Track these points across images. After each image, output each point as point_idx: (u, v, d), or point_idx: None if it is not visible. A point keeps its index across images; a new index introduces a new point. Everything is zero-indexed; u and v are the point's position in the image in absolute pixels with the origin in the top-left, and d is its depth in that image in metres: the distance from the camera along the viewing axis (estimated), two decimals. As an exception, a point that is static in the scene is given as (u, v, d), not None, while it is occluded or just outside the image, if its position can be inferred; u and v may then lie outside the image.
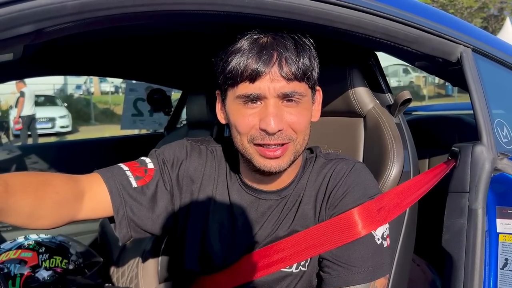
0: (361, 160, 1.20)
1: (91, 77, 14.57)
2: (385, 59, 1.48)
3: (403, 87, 19.02)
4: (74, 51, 1.82)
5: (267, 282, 0.92)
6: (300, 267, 0.91)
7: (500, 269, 1.09)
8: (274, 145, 0.83)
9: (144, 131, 5.25)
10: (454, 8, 17.23)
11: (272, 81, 0.81)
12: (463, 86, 1.19)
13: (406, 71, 20.24)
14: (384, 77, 1.26)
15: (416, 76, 20.17)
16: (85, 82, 19.66)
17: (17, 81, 8.89)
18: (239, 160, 0.96)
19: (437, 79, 16.69)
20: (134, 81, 3.98)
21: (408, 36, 1.03)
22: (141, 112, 3.99)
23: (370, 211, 0.88)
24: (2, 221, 0.73)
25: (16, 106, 10.08)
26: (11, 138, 10.91)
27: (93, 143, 3.14)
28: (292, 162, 0.88)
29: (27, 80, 9.01)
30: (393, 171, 1.09)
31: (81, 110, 16.27)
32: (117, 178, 0.90)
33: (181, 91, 3.04)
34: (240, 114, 0.85)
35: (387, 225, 0.91)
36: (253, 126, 0.84)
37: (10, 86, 11.02)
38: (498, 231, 1.09)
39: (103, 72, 2.82)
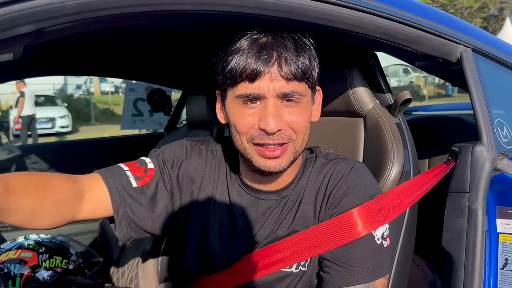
0: (361, 160, 1.20)
1: (91, 77, 14.58)
2: (385, 59, 1.48)
3: (403, 87, 19.02)
4: (74, 51, 1.82)
5: (267, 282, 0.92)
6: (300, 267, 0.91)
7: (500, 269, 1.09)
8: (274, 144, 0.83)
9: (144, 131, 5.25)
10: (454, 8, 17.23)
11: (272, 81, 0.81)
12: (463, 86, 1.19)
13: (406, 71, 20.24)
14: (384, 77, 1.26)
15: (416, 76, 20.18)
16: (85, 82, 19.66)
17: (17, 81, 8.89)
18: (239, 160, 0.96)
19: (437, 79, 16.69)
20: (134, 81, 3.97)
21: (408, 36, 1.03)
22: (141, 112, 3.99)
23: (370, 211, 0.88)
24: (2, 221, 0.73)
25: (16, 106, 10.08)
26: (11, 138, 10.90)
27: (93, 143, 3.14)
28: (292, 162, 0.88)
29: (27, 80, 9.01)
30: (393, 171, 1.09)
31: (81, 110, 16.27)
32: (117, 178, 0.90)
33: (181, 91, 3.04)
34: (239, 114, 0.85)
35: (387, 225, 0.91)
36: (253, 126, 0.84)
37: (10, 86, 11.02)
38: (498, 231, 1.09)
39: (103, 72, 2.82)
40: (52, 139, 11.12)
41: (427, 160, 1.76)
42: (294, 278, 0.92)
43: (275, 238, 0.92)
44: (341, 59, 1.24)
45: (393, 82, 19.08)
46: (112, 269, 1.56)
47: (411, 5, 1.06)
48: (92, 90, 19.94)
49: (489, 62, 1.26)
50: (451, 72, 1.20)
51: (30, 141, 9.67)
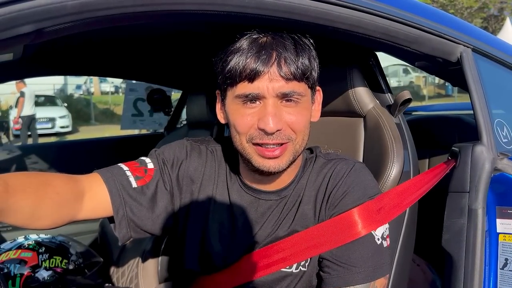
0: (361, 160, 1.20)
1: (91, 77, 14.57)
2: (385, 59, 1.48)
3: (403, 87, 19.02)
4: (74, 51, 1.82)
5: (267, 282, 0.92)
6: (300, 267, 0.91)
7: (500, 269, 1.09)
8: (273, 144, 0.83)
9: (144, 131, 5.25)
10: (454, 8, 17.22)
11: (271, 80, 0.81)
12: (463, 86, 1.19)
13: (406, 71, 20.24)
14: (384, 77, 1.26)
15: (416, 76, 20.17)
16: (85, 82, 19.66)
17: (17, 81, 8.89)
18: (239, 160, 0.96)
19: (437, 79, 16.69)
20: (134, 81, 3.97)
21: (408, 36, 1.03)
22: (141, 112, 3.99)
23: (370, 211, 0.88)
24: (2, 221, 0.73)
25: (16, 106, 10.08)
26: (11, 138, 10.90)
27: (93, 143, 3.13)
28: (291, 163, 0.88)
29: (27, 80, 9.01)
30: (393, 171, 1.09)
31: (81, 110, 16.27)
32: (117, 178, 0.90)
33: (181, 91, 3.04)
34: (239, 114, 0.85)
35: (387, 225, 0.91)
36: (252, 126, 0.84)
37: (10, 86, 11.01)
38: (498, 231, 1.09)
39: (103, 72, 2.82)
40: (52, 139, 11.12)
41: (427, 160, 1.76)
42: (294, 278, 0.92)
43: (275, 238, 0.92)
44: (341, 59, 1.24)
45: (393, 82, 19.08)
46: (112, 269, 1.56)
47: (411, 5, 1.06)
48: (92, 90, 19.94)
49: (489, 62, 1.26)
50: (451, 72, 1.20)
51: (30, 141, 9.67)
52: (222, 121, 0.93)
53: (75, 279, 1.38)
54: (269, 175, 0.89)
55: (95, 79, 19.41)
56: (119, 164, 0.94)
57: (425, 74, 15.35)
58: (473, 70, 1.14)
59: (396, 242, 1.10)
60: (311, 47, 0.88)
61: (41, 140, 10.09)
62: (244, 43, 0.83)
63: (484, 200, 1.07)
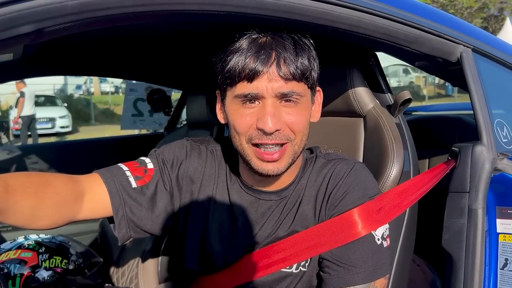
0: (361, 160, 1.20)
1: (91, 77, 14.57)
2: (385, 59, 1.48)
3: (403, 87, 19.02)
4: (74, 51, 1.82)
5: (267, 282, 0.92)
6: (300, 267, 0.91)
7: (500, 269, 1.09)
8: (272, 144, 0.83)
9: (144, 131, 5.25)
10: (454, 8, 17.22)
11: (270, 80, 0.81)
12: (463, 86, 1.19)
13: (406, 71, 20.24)
14: (384, 77, 1.26)
15: (416, 76, 20.18)
16: (85, 82, 19.66)
17: (17, 81, 8.89)
18: (239, 161, 0.96)
19: (437, 79, 16.69)
20: (134, 81, 3.98)
21: (408, 36, 1.03)
22: (141, 112, 3.99)
23: (370, 211, 0.88)
24: (2, 221, 0.73)
25: (16, 106, 10.08)
26: (11, 138, 10.90)
27: (93, 143, 3.13)
28: (291, 165, 0.88)
29: (27, 80, 9.01)
30: (393, 171, 1.09)
31: (81, 110, 16.27)
32: (116, 178, 0.90)
33: (181, 91, 3.04)
34: (238, 114, 0.85)
35: (387, 225, 0.91)
36: (251, 126, 0.84)
37: (10, 86, 11.02)
38: (498, 231, 1.09)
39: (103, 72, 2.82)
40: (52, 139, 11.12)
41: (427, 160, 1.76)
42: (294, 278, 0.92)
43: (275, 238, 0.92)
44: (341, 59, 1.24)
45: (393, 82, 19.08)
46: (112, 269, 1.56)
47: (411, 5, 1.06)
48: (92, 90, 19.94)
49: (489, 62, 1.26)
50: (451, 72, 1.20)
51: (30, 141, 9.67)
52: (222, 121, 0.93)
53: (75, 279, 1.38)
54: (269, 177, 0.89)
55: (95, 79, 19.42)
56: (119, 164, 0.94)
57: (425, 74, 15.35)
58: (473, 70, 1.13)
59: (396, 242, 1.10)
60: (311, 48, 0.88)
61: (41, 140, 10.09)
62: (243, 43, 0.83)
63: (484, 200, 1.07)
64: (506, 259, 1.08)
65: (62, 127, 12.90)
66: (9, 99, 13.83)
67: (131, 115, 4.01)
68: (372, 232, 0.88)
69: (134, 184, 0.91)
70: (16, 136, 10.64)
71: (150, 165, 0.95)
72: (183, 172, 0.96)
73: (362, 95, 1.20)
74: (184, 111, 2.87)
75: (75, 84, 21.35)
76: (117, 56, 2.02)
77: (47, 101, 14.15)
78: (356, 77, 1.20)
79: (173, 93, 4.14)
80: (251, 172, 0.91)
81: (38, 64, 1.96)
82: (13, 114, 10.52)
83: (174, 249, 1.04)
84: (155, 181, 0.93)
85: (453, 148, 1.15)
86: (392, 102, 1.21)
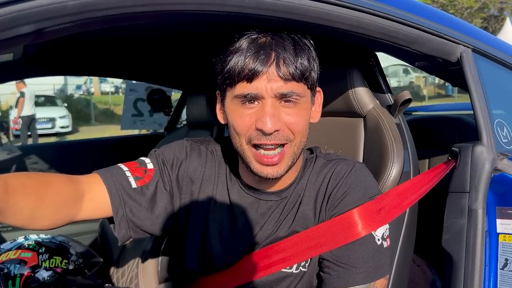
0: (361, 160, 1.20)
1: (91, 77, 14.57)
2: (385, 59, 1.48)
3: (403, 87, 19.02)
4: (74, 51, 1.82)
5: (267, 282, 0.92)
6: (300, 267, 0.91)
7: (500, 269, 1.09)
8: (271, 145, 0.83)
9: (144, 132, 5.25)
10: (454, 9, 17.21)
11: (269, 81, 0.81)
12: (463, 86, 1.19)
13: (406, 71, 20.24)
14: (384, 77, 1.26)
15: (416, 77, 20.17)
16: (85, 83, 19.66)
17: (17, 81, 8.89)
18: (239, 161, 0.96)
19: (437, 79, 16.69)
20: (134, 81, 3.98)
21: (408, 36, 1.03)
22: (141, 112, 3.99)
23: (370, 211, 0.88)
24: (2, 221, 0.73)
25: (16, 107, 10.08)
26: (11, 138, 10.90)
27: (93, 143, 3.13)
28: (290, 167, 0.88)
29: (27, 80, 9.01)
30: (393, 171, 1.09)
31: (81, 111, 16.28)
32: (116, 178, 0.90)
33: (181, 91, 3.04)
34: (237, 114, 0.85)
35: (387, 226, 0.91)
36: (250, 126, 0.83)
37: (10, 86, 11.02)
38: (498, 231, 1.09)
39: (103, 72, 2.82)
40: (52, 139, 11.12)
41: (427, 160, 1.76)
42: (294, 278, 0.92)
43: (275, 238, 0.92)
44: (341, 59, 1.24)
45: (393, 82, 19.08)
46: (112, 269, 1.56)
47: (411, 5, 1.06)
48: (92, 90, 19.94)
49: (489, 62, 1.26)
50: (451, 72, 1.20)
51: (30, 141, 9.67)
52: (222, 121, 0.93)
53: (75, 279, 1.38)
54: (268, 180, 0.89)
55: (95, 79, 19.42)
56: (118, 165, 0.94)
57: (425, 74, 15.35)
58: (473, 70, 1.14)
59: (396, 243, 1.10)
60: (311, 48, 0.87)
61: (41, 140, 10.09)
62: (243, 43, 0.83)
63: (484, 201, 1.07)
64: (506, 259, 1.08)
65: (62, 127, 12.89)
66: (9, 99, 13.84)
67: (131, 115, 4.02)
68: (372, 232, 0.87)
69: (134, 185, 0.91)
70: (16, 136, 10.64)
71: (150, 166, 0.95)
72: (183, 172, 0.96)
73: (362, 95, 1.20)
74: (184, 111, 2.87)
75: (75, 84, 21.35)
76: (117, 56, 2.02)
77: (47, 101, 14.15)
78: (356, 77, 1.20)
79: (173, 93, 4.15)
80: (251, 173, 0.91)
81: (38, 64, 1.96)
82: (13, 114, 10.52)
83: (174, 249, 1.04)
84: (155, 181, 0.93)
85: (453, 148, 1.15)
86: (392, 102, 1.21)
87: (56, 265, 1.36)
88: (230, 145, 0.91)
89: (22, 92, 9.39)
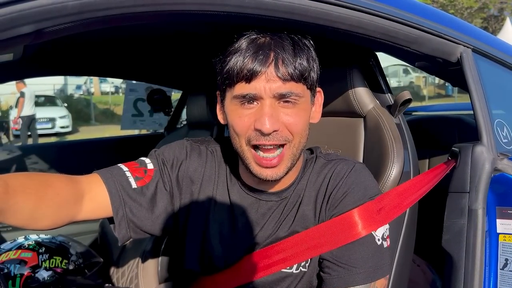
0: (361, 160, 1.20)
1: (91, 77, 14.57)
2: (385, 59, 1.48)
3: (403, 87, 19.01)
4: (74, 51, 1.82)
5: (268, 282, 0.92)
6: (301, 267, 0.91)
7: (500, 269, 1.09)
8: (270, 145, 0.83)
9: (144, 132, 5.25)
10: (454, 9, 17.21)
11: (268, 81, 0.81)
12: (463, 86, 1.19)
13: (406, 72, 20.23)
14: (384, 77, 1.26)
15: (416, 77, 20.17)
16: (85, 83, 19.66)
17: (17, 81, 8.89)
18: (239, 162, 0.96)
19: (437, 80, 16.69)
20: (134, 81, 3.98)
21: (408, 36, 1.03)
22: (141, 112, 3.99)
23: (370, 211, 0.88)
24: (2, 222, 0.73)
25: (16, 107, 10.08)
26: (11, 138, 10.90)
27: (93, 143, 3.13)
28: (290, 169, 0.88)
29: (27, 80, 9.00)
30: (393, 171, 1.09)
31: (81, 111, 16.27)
32: (116, 178, 0.90)
33: (181, 92, 3.04)
34: (236, 115, 0.85)
35: (387, 226, 0.91)
36: (249, 127, 0.83)
37: (10, 86, 11.02)
38: (498, 231, 1.09)
39: (103, 72, 2.82)
40: (52, 139, 11.12)
41: (427, 160, 1.76)
42: (294, 278, 0.92)
43: (275, 239, 0.92)
44: (341, 59, 1.24)
45: (393, 82, 19.07)
46: (112, 269, 1.56)
47: (410, 5, 1.06)
48: (92, 90, 19.94)
49: (489, 62, 1.26)
50: (451, 72, 1.20)
51: (30, 141, 9.67)
52: (222, 122, 0.93)
53: (75, 279, 1.38)
54: (268, 181, 0.89)
55: (95, 79, 19.42)
56: (119, 165, 0.94)
57: (425, 74, 15.35)
58: (473, 70, 1.14)
59: (396, 243, 1.10)
60: (311, 48, 0.87)
61: (41, 140, 10.09)
62: (242, 43, 0.83)
63: (484, 201, 1.07)
64: (506, 259, 1.08)
65: (62, 127, 12.89)
66: (9, 99, 13.84)
67: (131, 115, 4.02)
68: (372, 232, 0.87)
69: (134, 185, 0.91)
70: (16, 136, 10.64)
71: (150, 166, 0.95)
72: (183, 173, 0.96)
73: (362, 95, 1.20)
74: (184, 111, 2.87)
75: (75, 84, 21.35)
76: (117, 56, 2.02)
77: (47, 101, 14.14)
78: (356, 77, 1.20)
79: (173, 93, 4.15)
80: (251, 174, 0.91)
81: (38, 64, 1.96)
82: (13, 114, 10.52)
83: (174, 249, 1.04)
84: (155, 181, 0.93)
85: (453, 148, 1.15)
86: (392, 102, 1.21)
87: (56, 265, 1.36)
88: (230, 145, 0.91)
89: (22, 92, 9.39)
